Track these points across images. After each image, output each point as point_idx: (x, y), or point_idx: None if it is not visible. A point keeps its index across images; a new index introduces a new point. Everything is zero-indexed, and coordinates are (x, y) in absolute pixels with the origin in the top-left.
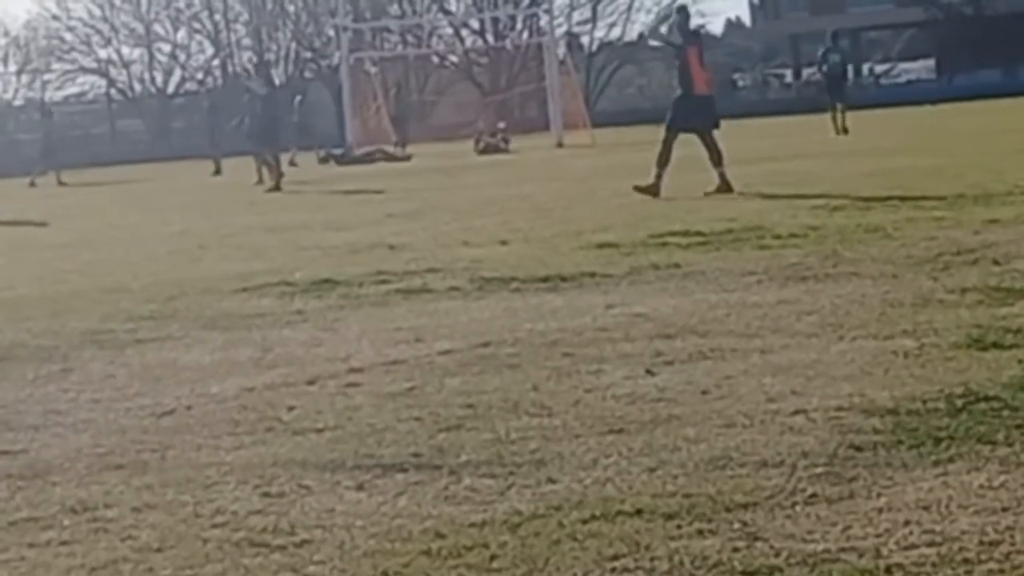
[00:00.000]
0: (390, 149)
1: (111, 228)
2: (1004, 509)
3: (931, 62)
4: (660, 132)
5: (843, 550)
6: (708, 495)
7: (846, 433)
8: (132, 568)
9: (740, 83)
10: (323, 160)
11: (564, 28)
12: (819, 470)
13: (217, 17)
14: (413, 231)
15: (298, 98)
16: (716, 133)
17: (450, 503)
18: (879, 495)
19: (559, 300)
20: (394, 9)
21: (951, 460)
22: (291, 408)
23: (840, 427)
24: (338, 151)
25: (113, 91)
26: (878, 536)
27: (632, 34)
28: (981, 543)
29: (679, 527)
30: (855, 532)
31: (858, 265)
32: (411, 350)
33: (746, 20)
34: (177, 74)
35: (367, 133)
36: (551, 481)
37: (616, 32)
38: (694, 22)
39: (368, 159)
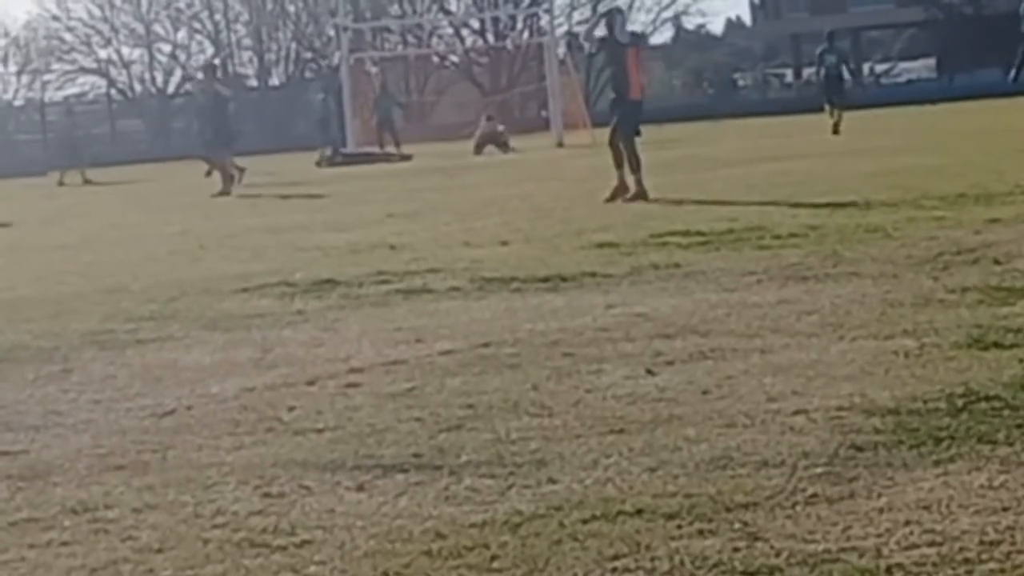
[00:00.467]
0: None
1: (111, 229)
2: (1005, 509)
3: (931, 61)
4: (611, 140)
5: (844, 550)
6: (709, 495)
7: (847, 433)
8: (133, 569)
9: (740, 83)
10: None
11: (564, 28)
12: (820, 470)
13: (217, 17)
14: (413, 231)
15: (320, 96)
16: (638, 140)
17: (451, 503)
18: (880, 495)
19: (559, 300)
20: (394, 9)
21: (952, 460)
22: (291, 408)
23: (841, 427)
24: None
25: (113, 91)
26: (879, 536)
27: None
28: (982, 543)
29: (680, 527)
30: (856, 532)
31: (858, 265)
32: (411, 350)
33: (747, 20)
34: (177, 74)
35: (367, 133)
36: (552, 481)
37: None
38: (694, 21)
39: (360, 159)
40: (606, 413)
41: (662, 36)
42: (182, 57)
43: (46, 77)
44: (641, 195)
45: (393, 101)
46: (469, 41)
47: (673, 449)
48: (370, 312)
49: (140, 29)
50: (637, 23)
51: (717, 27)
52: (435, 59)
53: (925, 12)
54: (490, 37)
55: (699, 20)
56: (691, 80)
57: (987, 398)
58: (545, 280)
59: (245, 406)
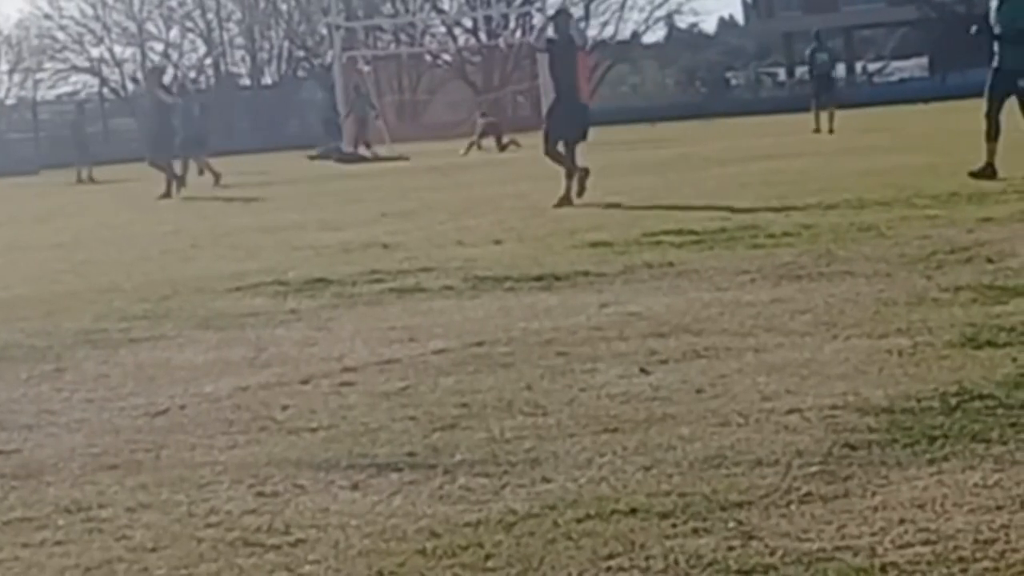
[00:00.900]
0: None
1: (105, 227)
2: (999, 507)
3: (924, 60)
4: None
5: (838, 549)
6: (703, 494)
7: (840, 432)
8: (126, 568)
9: (733, 82)
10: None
11: None
12: (814, 469)
13: (210, 16)
14: (407, 230)
15: (320, 94)
16: (581, 145)
17: (445, 502)
18: (874, 494)
19: (553, 299)
20: (387, 8)
21: (946, 458)
22: (285, 407)
23: (834, 426)
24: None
25: (106, 90)
26: (873, 535)
27: (625, 33)
28: (976, 541)
29: (674, 526)
30: (850, 531)
31: (852, 264)
32: (405, 349)
33: (739, 18)
34: (170, 73)
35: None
36: (546, 480)
37: (609, 31)
38: (687, 20)
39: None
40: (600, 412)
41: (655, 35)
42: (175, 56)
43: (38, 76)
44: (568, 200)
45: (367, 102)
46: (462, 40)
47: (667, 448)
48: (364, 311)
49: (132, 28)
50: (630, 22)
51: (710, 26)
52: (428, 58)
53: (918, 11)
54: (483, 36)
55: (692, 19)
56: (684, 79)
57: (981, 397)
58: (539, 279)
59: (239, 405)
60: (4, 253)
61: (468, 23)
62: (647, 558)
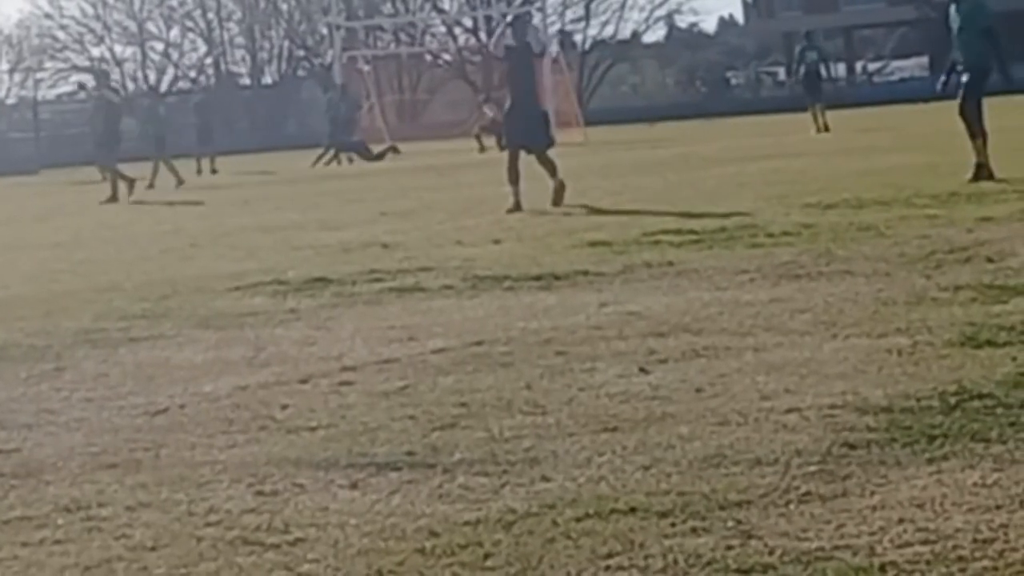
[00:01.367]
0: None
1: (104, 227)
2: (998, 507)
3: (924, 60)
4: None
5: (837, 548)
6: (702, 493)
7: (840, 431)
8: (126, 567)
9: (733, 81)
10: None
11: (557, 26)
12: (813, 468)
13: (210, 15)
14: (406, 230)
15: (328, 94)
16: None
17: (444, 501)
18: (873, 493)
19: (552, 298)
20: (387, 7)
21: (945, 458)
22: (284, 407)
23: (834, 425)
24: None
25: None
26: (872, 534)
27: (625, 32)
28: (975, 541)
29: (673, 525)
30: (849, 530)
31: (851, 263)
32: (404, 348)
33: (739, 18)
34: (170, 72)
35: (360, 131)
36: (545, 479)
37: (609, 30)
38: (687, 20)
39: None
40: (599, 411)
41: (655, 34)
42: (175, 55)
43: (39, 75)
44: (518, 207)
45: (355, 103)
46: (462, 40)
47: (666, 447)
48: (363, 310)
49: (133, 27)
50: (630, 21)
51: (710, 25)
52: (428, 58)
53: (917, 11)
54: (483, 35)
55: (692, 19)
56: (684, 79)
57: (980, 396)
58: (538, 278)
59: (238, 404)
60: (4, 252)
61: (468, 23)
62: (646, 557)
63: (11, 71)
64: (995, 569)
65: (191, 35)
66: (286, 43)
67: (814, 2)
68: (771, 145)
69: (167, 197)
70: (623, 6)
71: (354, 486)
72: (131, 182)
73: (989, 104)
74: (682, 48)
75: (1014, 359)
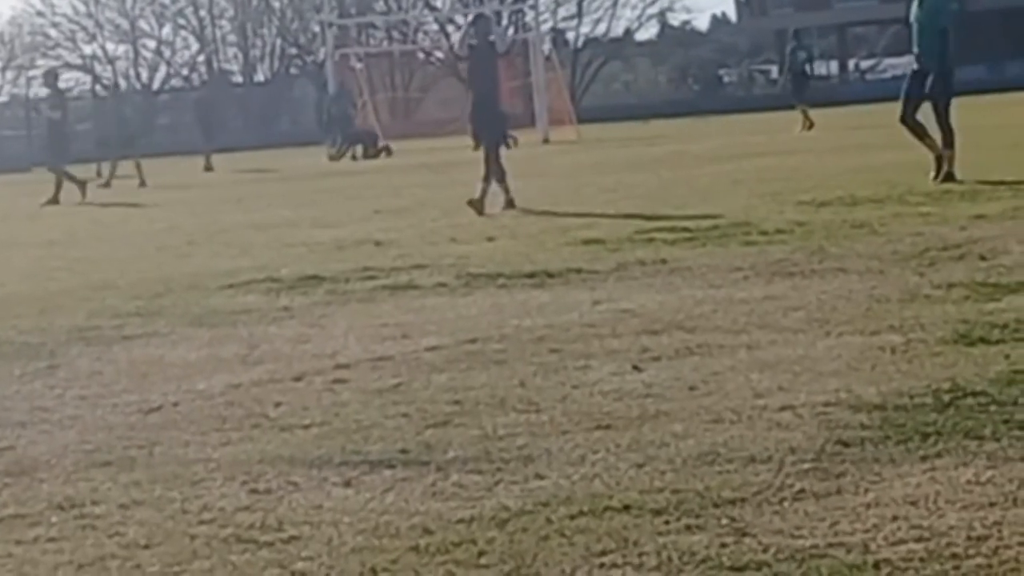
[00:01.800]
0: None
1: (98, 225)
2: (992, 504)
3: None
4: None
5: (831, 545)
6: (696, 491)
7: (833, 429)
8: (120, 565)
9: (726, 79)
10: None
11: (550, 24)
12: (807, 466)
13: (202, 13)
14: (400, 228)
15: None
16: (502, 151)
17: (437, 499)
18: (867, 490)
19: (546, 296)
20: (379, 5)
21: (938, 455)
22: (278, 404)
23: (827, 423)
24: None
25: (98, 87)
26: (866, 531)
27: (618, 30)
28: (969, 538)
29: (667, 523)
30: (843, 527)
31: (844, 261)
32: (398, 346)
33: (732, 16)
34: (162, 70)
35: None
36: (539, 477)
37: (602, 28)
38: (679, 17)
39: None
40: (593, 409)
41: (647, 32)
42: (167, 53)
43: (31, 73)
44: (511, 203)
45: (350, 101)
46: (454, 37)
47: (660, 445)
48: (356, 308)
49: (125, 25)
50: (623, 19)
51: (702, 23)
52: (420, 55)
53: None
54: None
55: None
56: (677, 76)
57: (973, 393)
58: (531, 276)
59: (231, 402)
60: None
61: (461, 20)
62: (640, 555)
63: (3, 69)
64: (989, 566)
65: (183, 33)
66: (278, 41)
67: (806, 0)
68: (764, 143)
69: (165, 194)
70: (615, 4)
71: (348, 484)
72: (82, 184)
73: (975, 101)
74: (675, 46)
75: (1007, 357)
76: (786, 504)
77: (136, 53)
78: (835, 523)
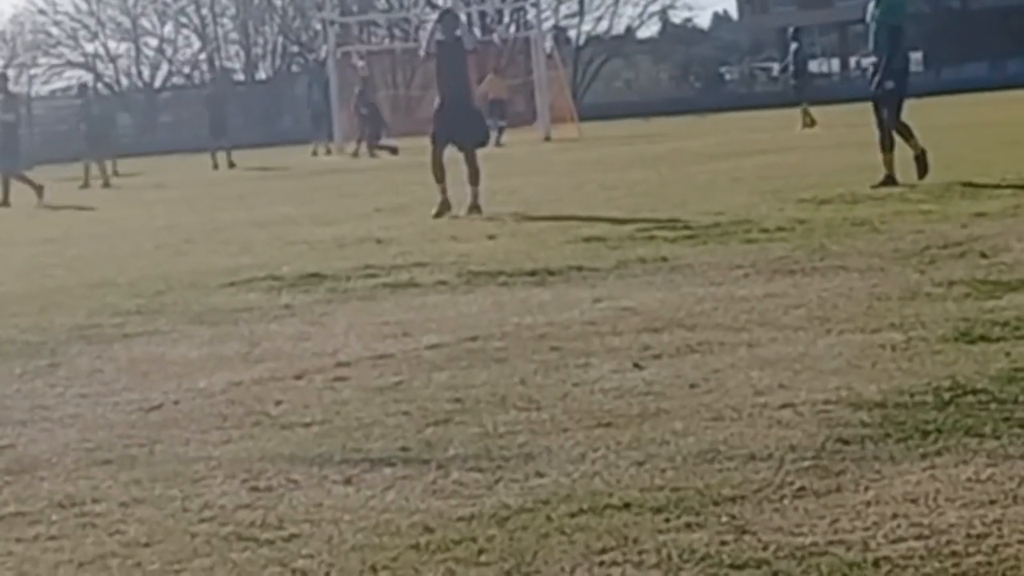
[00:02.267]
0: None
1: (97, 223)
2: (992, 502)
3: (918, 55)
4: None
5: (831, 543)
6: (696, 489)
7: (834, 426)
8: (120, 563)
9: (727, 76)
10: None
11: (551, 22)
12: (807, 463)
13: (204, 11)
14: (401, 225)
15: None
16: (480, 152)
17: (438, 497)
18: (867, 488)
19: (547, 294)
20: (381, 3)
21: (939, 453)
22: (279, 402)
23: (828, 420)
24: None
25: (100, 85)
26: (866, 529)
27: (619, 28)
28: (969, 536)
29: (667, 520)
30: (843, 525)
31: (845, 259)
32: (399, 344)
33: (733, 14)
34: (164, 68)
35: (354, 127)
36: (539, 475)
37: (603, 26)
38: (681, 15)
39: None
40: (593, 407)
41: (649, 30)
42: (169, 51)
43: (32, 71)
44: (447, 207)
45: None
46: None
47: (660, 443)
48: (357, 306)
49: (127, 23)
50: (624, 17)
51: (704, 21)
52: (422, 53)
53: (911, 6)
54: (477, 31)
55: (686, 14)
56: (678, 74)
57: (974, 391)
58: (532, 274)
59: (232, 400)
60: None
61: (463, 18)
62: (640, 552)
63: (5, 67)
64: (989, 564)
65: (185, 31)
66: (280, 39)
67: None
68: (765, 140)
69: (160, 191)
70: (617, 2)
71: (348, 482)
72: (39, 188)
73: (977, 98)
74: (676, 43)
75: (1008, 354)
76: (786, 502)
77: (138, 51)
78: (835, 521)
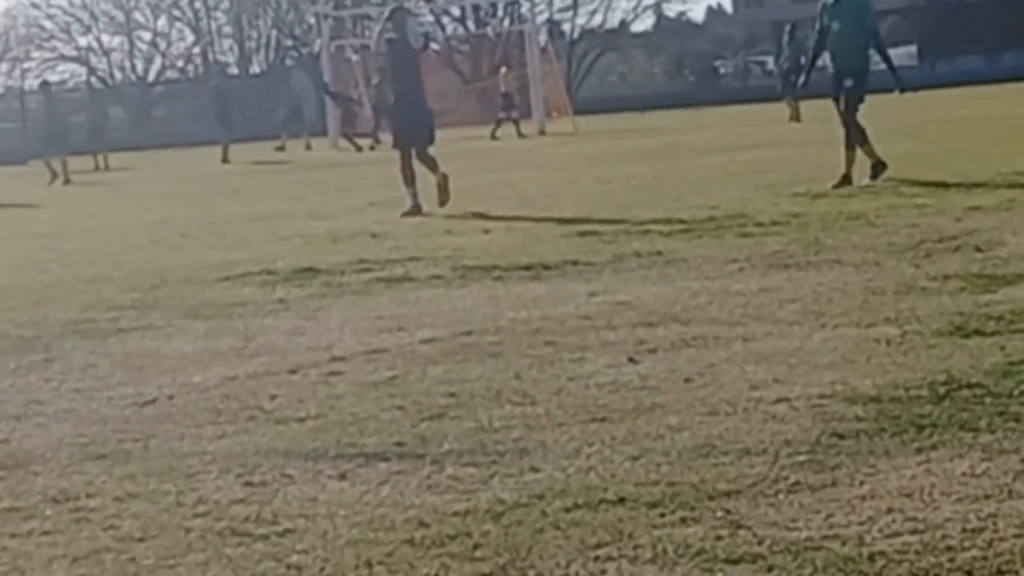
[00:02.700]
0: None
1: (92, 217)
2: (987, 496)
3: (913, 49)
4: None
5: (826, 538)
6: (691, 483)
7: (829, 421)
8: (114, 558)
9: (722, 70)
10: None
11: (545, 15)
12: (802, 458)
13: (198, 5)
14: (395, 219)
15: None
16: (431, 149)
17: (433, 492)
18: (862, 483)
19: (541, 288)
20: None
21: (934, 447)
22: (273, 397)
23: (823, 415)
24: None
25: (93, 79)
26: (861, 524)
27: (613, 21)
28: (964, 530)
29: (662, 515)
30: (838, 520)
31: (840, 253)
32: (393, 339)
33: (728, 7)
34: (158, 62)
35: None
36: (534, 470)
37: (597, 19)
38: (675, 8)
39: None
40: (588, 401)
41: (643, 24)
42: (162, 45)
43: (26, 65)
44: (417, 209)
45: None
46: (450, 29)
47: (655, 437)
48: (352, 300)
49: (120, 17)
50: (618, 10)
51: (698, 14)
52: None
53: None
54: (471, 25)
55: (680, 7)
56: (672, 68)
57: (969, 386)
58: (527, 268)
59: (227, 395)
60: None
61: (456, 11)
62: (635, 547)
63: None
64: (984, 559)
65: (179, 24)
66: (274, 32)
67: None
68: (760, 134)
69: (155, 185)
70: None
71: (343, 477)
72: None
73: (971, 92)
74: (670, 37)
75: (1003, 348)
76: (781, 496)
77: (131, 45)
78: (830, 515)
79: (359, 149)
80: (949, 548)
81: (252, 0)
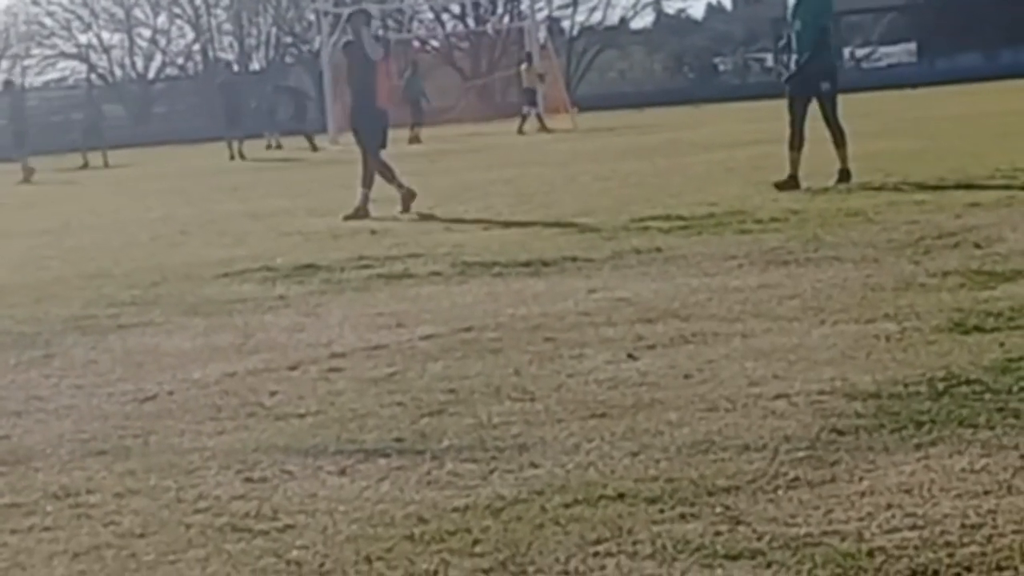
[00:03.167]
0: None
1: (92, 214)
2: (986, 492)
3: (912, 46)
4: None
5: (825, 533)
6: (690, 479)
7: (828, 417)
8: (115, 553)
9: (721, 67)
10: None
11: (545, 12)
12: (801, 454)
13: (198, 2)
14: (395, 216)
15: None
16: (383, 153)
17: (432, 488)
18: (861, 479)
19: (541, 285)
20: None
21: (933, 443)
22: (273, 393)
23: (822, 411)
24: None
25: (93, 76)
26: (860, 520)
27: (613, 18)
28: (963, 526)
29: (662, 511)
30: (837, 516)
31: (839, 249)
32: (393, 335)
33: (727, 4)
34: (158, 59)
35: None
36: (533, 466)
37: (597, 16)
38: (675, 5)
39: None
40: (588, 398)
41: (643, 20)
42: (162, 42)
43: (26, 62)
44: (364, 212)
45: (420, 86)
46: (450, 26)
47: (655, 433)
48: (352, 297)
49: (120, 14)
50: (618, 7)
51: (698, 11)
52: (416, 44)
53: None
54: (471, 22)
55: (680, 4)
56: (672, 64)
57: (968, 382)
58: (527, 264)
59: (227, 391)
60: None
61: (456, 9)
62: (635, 543)
63: None
64: (983, 555)
65: (179, 21)
66: (274, 29)
67: None
68: (759, 131)
69: (155, 182)
70: None
71: (343, 473)
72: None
73: (970, 89)
74: (670, 34)
75: (1002, 345)
76: (780, 492)
77: (132, 42)
78: (829, 511)
79: (315, 149)
80: (948, 544)
81: None
